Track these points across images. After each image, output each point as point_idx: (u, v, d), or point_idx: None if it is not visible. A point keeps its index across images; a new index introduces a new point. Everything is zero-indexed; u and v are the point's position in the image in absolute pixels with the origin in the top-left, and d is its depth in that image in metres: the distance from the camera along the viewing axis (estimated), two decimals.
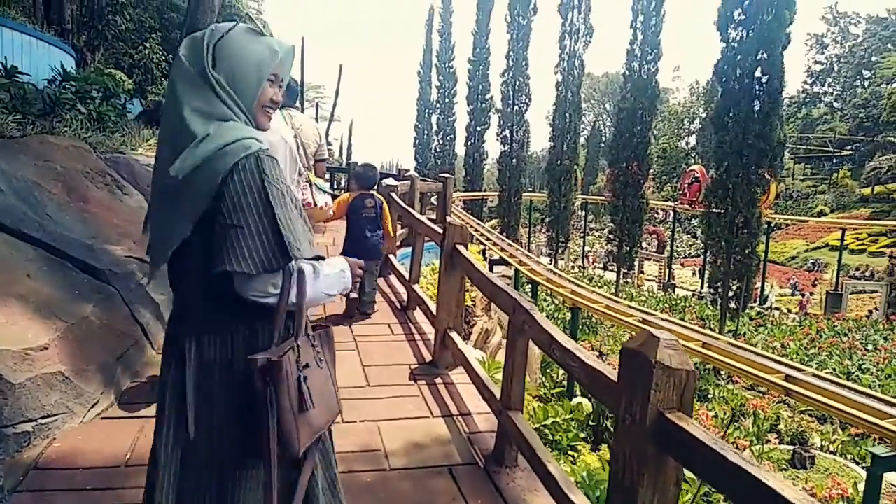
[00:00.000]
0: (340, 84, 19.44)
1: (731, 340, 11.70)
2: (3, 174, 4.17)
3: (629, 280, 29.08)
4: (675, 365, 1.72)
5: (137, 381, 3.72)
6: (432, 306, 4.90)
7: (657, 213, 44.21)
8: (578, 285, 16.73)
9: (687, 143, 64.41)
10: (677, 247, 39.21)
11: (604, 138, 71.46)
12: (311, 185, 4.27)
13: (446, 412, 3.56)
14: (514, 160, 31.15)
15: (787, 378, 8.79)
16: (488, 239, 21.23)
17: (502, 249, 20.18)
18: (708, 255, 25.18)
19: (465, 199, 32.97)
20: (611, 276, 30.48)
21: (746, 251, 18.28)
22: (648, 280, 33.28)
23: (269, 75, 1.57)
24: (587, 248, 40.77)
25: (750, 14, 18.16)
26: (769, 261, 30.13)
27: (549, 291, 17.60)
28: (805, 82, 59.61)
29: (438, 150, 39.80)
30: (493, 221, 33.79)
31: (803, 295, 29.42)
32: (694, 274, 35.56)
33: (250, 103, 1.56)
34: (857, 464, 10.84)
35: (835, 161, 52.18)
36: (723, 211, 18.61)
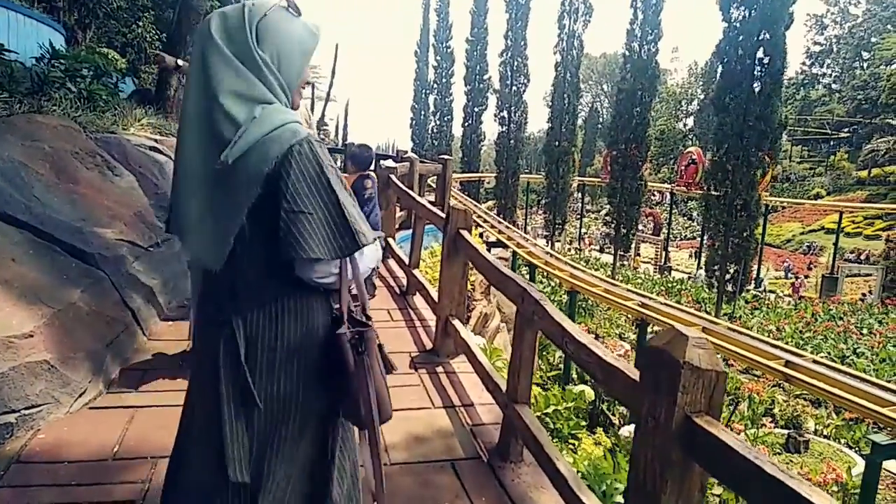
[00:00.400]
0: (337, 64, 19.05)
1: (730, 325, 11.63)
2: None
3: (625, 262, 29.02)
4: (704, 365, 1.60)
5: (127, 368, 3.59)
6: (433, 292, 4.78)
7: (653, 196, 44.04)
8: (576, 268, 16.64)
9: (685, 125, 64.18)
10: (673, 229, 39.09)
11: (601, 120, 71.25)
12: None
13: (448, 403, 3.44)
14: (512, 141, 30.98)
15: (787, 364, 8.73)
16: (485, 221, 21.08)
17: (500, 232, 20.04)
18: (705, 237, 25.13)
19: (462, 180, 32.78)
20: (607, 258, 30.44)
21: (745, 234, 18.23)
22: (644, 262, 33.25)
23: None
24: (583, 231, 40.67)
25: None
26: (765, 244, 30.08)
27: (545, 273, 17.51)
28: (803, 63, 59.24)
29: (435, 130, 39.51)
30: (490, 203, 33.64)
31: (797, 277, 29.42)
32: (691, 256, 35.53)
33: (293, 84, 1.53)
34: (851, 448, 10.87)
35: (832, 143, 51.99)
36: (721, 193, 18.50)
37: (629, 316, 14.39)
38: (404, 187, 6.23)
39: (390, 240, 6.59)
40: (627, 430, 5.00)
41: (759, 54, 18.00)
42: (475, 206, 26.18)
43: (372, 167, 5.39)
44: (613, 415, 10.43)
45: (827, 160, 49.61)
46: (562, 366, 11.97)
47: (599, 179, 38.26)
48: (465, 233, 3.87)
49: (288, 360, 1.50)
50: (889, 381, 10.21)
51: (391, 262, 6.49)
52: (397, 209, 7.27)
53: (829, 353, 15.21)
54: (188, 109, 1.45)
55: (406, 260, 5.71)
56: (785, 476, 1.30)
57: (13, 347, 2.87)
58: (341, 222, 1.45)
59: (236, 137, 1.37)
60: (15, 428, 2.78)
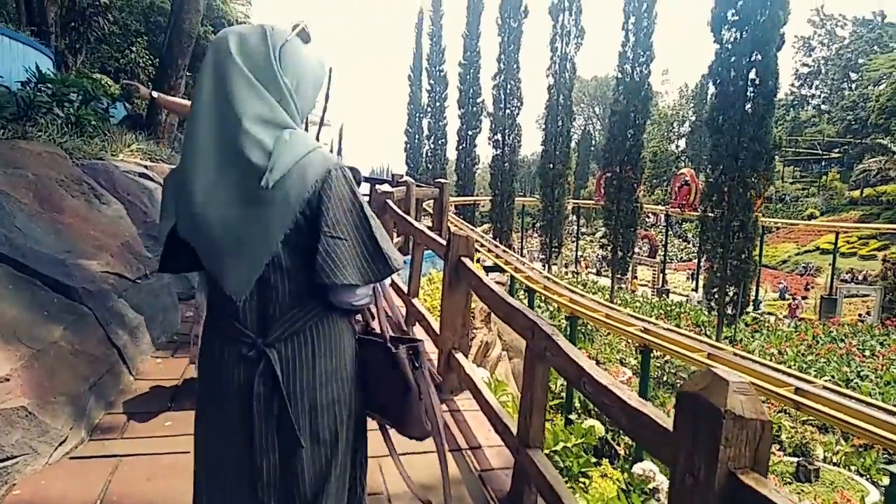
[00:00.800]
0: (330, 88, 19.05)
1: (735, 350, 11.43)
2: None
3: (623, 285, 28.85)
4: (748, 414, 1.41)
5: (112, 412, 3.37)
6: (433, 322, 4.58)
7: (648, 218, 44.07)
8: (576, 293, 16.45)
9: (677, 147, 64.49)
10: (669, 251, 39.01)
11: (594, 142, 71.57)
12: None
13: (454, 445, 3.22)
14: (507, 164, 30.99)
15: (797, 391, 8.52)
16: (482, 245, 20.92)
17: (497, 256, 19.86)
18: (702, 259, 25.00)
19: (457, 203, 32.69)
20: (605, 281, 30.27)
21: (743, 256, 18.11)
22: (641, 285, 33.09)
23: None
24: (579, 253, 40.56)
25: (743, 15, 18.09)
26: (762, 265, 29.97)
27: (542, 297, 17.31)
28: (792, 85, 59.80)
29: (430, 154, 39.50)
30: (486, 226, 33.53)
31: (794, 299, 29.28)
32: (688, 279, 35.38)
33: (305, 114, 1.52)
34: (862, 476, 10.63)
35: (823, 164, 52.27)
36: (718, 215, 18.42)
37: (630, 341, 14.16)
38: (401, 212, 6.06)
39: None
40: (640, 468, 4.76)
41: (752, 75, 18.06)
42: (471, 229, 26.05)
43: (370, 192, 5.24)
44: (618, 445, 10.18)
45: (819, 180, 49.82)
46: (563, 394, 11.73)
47: (594, 202, 38.24)
48: (467, 260, 3.69)
49: (322, 388, 1.48)
50: None
51: (388, 289, 6.30)
52: (394, 235, 7.09)
53: (833, 377, 15.00)
54: (202, 131, 1.38)
55: (405, 288, 5.51)
56: None
57: None
58: (374, 248, 1.47)
59: (272, 162, 1.35)
60: None
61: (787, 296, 31.32)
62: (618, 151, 25.24)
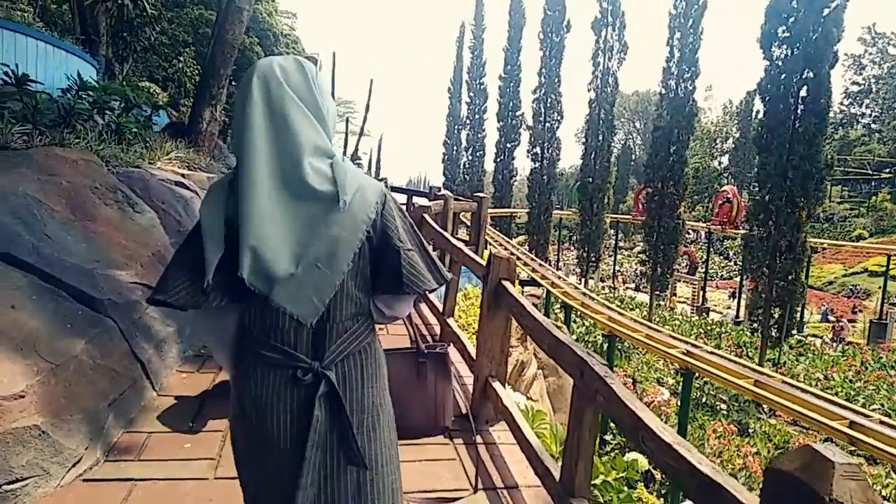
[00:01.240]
0: (371, 99, 19.08)
1: (784, 379, 10.90)
2: None
3: (661, 302, 28.16)
4: None
5: (131, 430, 3.23)
6: (468, 344, 4.36)
7: (688, 234, 43.21)
8: (615, 311, 16.01)
9: (719, 164, 63.26)
10: (710, 268, 38.04)
11: (634, 157, 70.73)
12: None
13: (489, 484, 2.98)
14: (545, 177, 30.67)
15: (852, 425, 8.03)
16: (518, 259, 20.61)
17: (533, 270, 19.52)
18: (745, 279, 24.25)
19: (494, 215, 32.46)
20: (642, 297, 29.62)
21: (790, 277, 17.44)
22: (680, 302, 32.28)
23: None
24: (617, 268, 39.88)
25: (795, 32, 17.54)
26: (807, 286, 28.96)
27: (578, 312, 16.90)
28: (842, 103, 58.07)
29: (467, 165, 39.44)
30: (521, 238, 33.22)
31: (839, 321, 28.19)
32: (731, 297, 34.40)
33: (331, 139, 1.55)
34: None
35: (873, 184, 50.60)
36: (764, 234, 17.81)
37: (673, 364, 13.67)
38: (439, 228, 5.86)
39: None
40: None
41: (803, 93, 17.46)
42: (506, 241, 25.76)
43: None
44: (655, 469, 9.77)
45: (868, 201, 48.23)
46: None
47: (632, 217, 37.63)
48: (508, 284, 3.46)
49: (372, 404, 1.52)
50: None
51: (423, 307, 6.08)
52: (430, 248, 6.91)
53: (882, 405, 14.31)
54: (260, 161, 1.39)
55: (440, 307, 5.29)
56: None
57: None
58: (430, 257, 1.57)
59: (340, 187, 1.41)
60: None
61: (830, 318, 30.21)
62: (660, 167, 24.72)
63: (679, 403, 12.17)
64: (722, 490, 1.48)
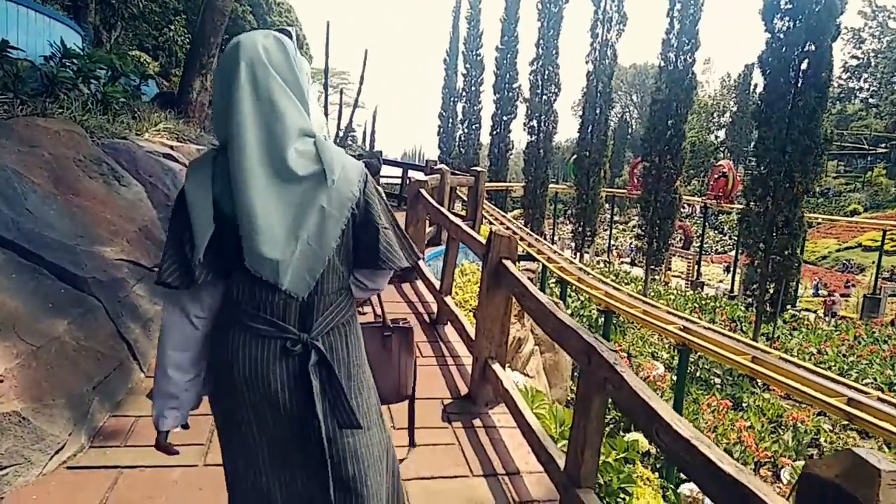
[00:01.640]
0: (365, 70, 18.74)
1: (782, 355, 10.85)
2: None
3: (656, 277, 28.14)
4: None
5: (117, 414, 3.11)
6: (467, 324, 4.24)
7: (683, 208, 43.14)
8: (611, 286, 15.92)
9: (716, 138, 62.94)
10: (704, 242, 38.03)
11: (630, 131, 70.26)
12: None
13: (489, 469, 2.88)
14: (541, 151, 30.37)
15: (850, 402, 7.99)
16: (514, 233, 20.47)
17: (529, 245, 19.37)
18: (741, 253, 24.21)
19: (489, 189, 32.22)
20: (637, 271, 29.61)
21: (786, 252, 17.36)
22: (675, 276, 32.29)
23: None
24: (612, 242, 39.82)
25: (798, 3, 17.16)
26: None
27: (574, 287, 16.82)
28: (839, 77, 57.56)
29: (463, 138, 38.97)
30: (517, 212, 33.05)
31: (830, 294, 28.29)
32: (726, 271, 34.45)
33: None
34: None
35: (869, 159, 50.53)
36: (762, 209, 17.67)
37: (671, 340, 13.63)
38: (436, 204, 5.70)
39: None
40: (689, 490, 4.38)
41: (804, 66, 17.20)
42: (502, 215, 25.59)
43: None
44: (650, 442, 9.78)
45: (864, 176, 48.20)
46: None
47: (626, 191, 37.48)
48: (509, 263, 3.32)
49: (357, 373, 1.60)
50: None
51: (419, 284, 5.94)
52: (426, 224, 6.74)
53: (875, 379, 14.38)
54: (249, 142, 1.41)
55: (437, 284, 5.16)
56: None
57: None
58: (403, 235, 1.64)
59: (327, 165, 1.45)
60: None
61: (820, 292, 30.32)
62: (657, 141, 24.46)
63: (675, 378, 12.17)
64: (747, 493, 1.36)
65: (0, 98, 4.74)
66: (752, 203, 18.21)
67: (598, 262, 32.13)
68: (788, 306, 19.59)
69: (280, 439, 1.51)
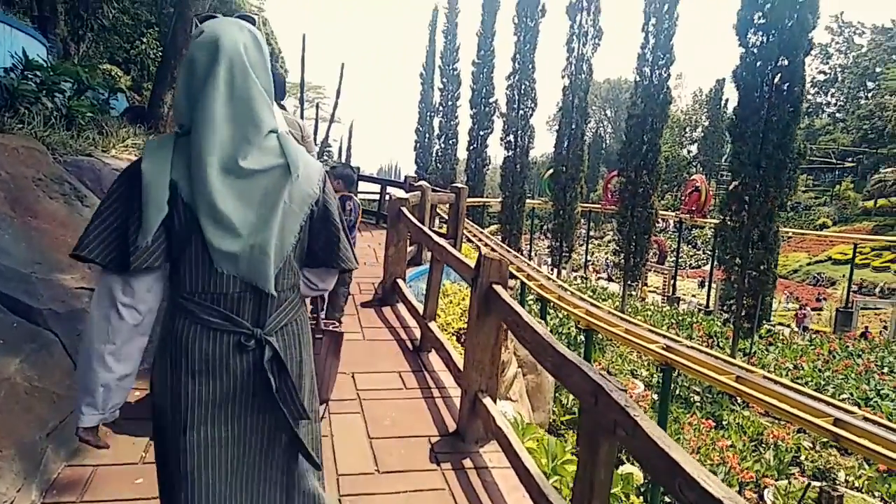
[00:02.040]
0: (342, 84, 18.58)
1: (766, 374, 10.78)
2: None
3: (633, 292, 28.22)
4: None
5: (73, 463, 2.82)
6: (453, 352, 4.03)
7: (657, 223, 43.51)
8: (590, 302, 15.82)
9: (689, 152, 63.77)
10: (679, 257, 38.35)
11: (604, 145, 70.90)
12: None
13: None
14: (518, 166, 30.38)
15: (837, 422, 7.91)
16: (493, 250, 20.31)
17: (510, 262, 19.20)
18: (717, 269, 24.35)
19: (467, 204, 32.09)
20: (614, 287, 29.63)
21: (762, 267, 17.46)
22: (651, 291, 32.42)
23: None
24: (588, 258, 39.92)
25: (771, 18, 17.43)
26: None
27: (553, 305, 16.67)
28: (808, 92, 58.79)
29: (440, 153, 38.93)
30: (494, 227, 32.97)
31: (801, 308, 28.63)
32: (700, 286, 34.70)
33: None
34: (887, 503, 10.04)
35: (837, 173, 51.62)
36: (737, 224, 17.77)
37: (651, 359, 13.52)
38: (417, 222, 5.49)
39: (400, 281, 5.82)
40: None
41: (777, 81, 17.40)
42: (480, 231, 25.44)
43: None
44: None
45: (832, 190, 49.14)
46: (576, 409, 11.14)
47: (601, 206, 37.67)
48: (500, 289, 3.13)
49: (306, 376, 1.64)
50: None
51: (401, 307, 5.70)
52: (406, 243, 6.52)
53: (851, 394, 14.45)
54: (219, 136, 1.40)
55: (419, 308, 4.94)
56: None
57: None
58: (349, 239, 1.67)
59: (291, 162, 1.47)
60: None
61: (788, 306, 30.66)
62: (633, 156, 24.61)
63: (655, 397, 12.05)
64: None
65: None
66: (727, 218, 18.31)
67: (575, 278, 32.13)
68: (764, 321, 19.73)
69: (235, 434, 1.51)
